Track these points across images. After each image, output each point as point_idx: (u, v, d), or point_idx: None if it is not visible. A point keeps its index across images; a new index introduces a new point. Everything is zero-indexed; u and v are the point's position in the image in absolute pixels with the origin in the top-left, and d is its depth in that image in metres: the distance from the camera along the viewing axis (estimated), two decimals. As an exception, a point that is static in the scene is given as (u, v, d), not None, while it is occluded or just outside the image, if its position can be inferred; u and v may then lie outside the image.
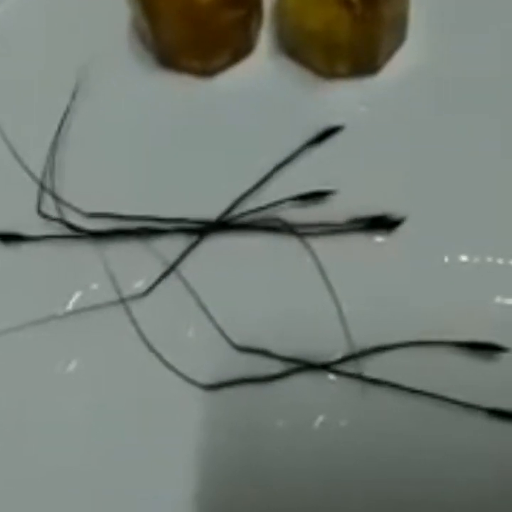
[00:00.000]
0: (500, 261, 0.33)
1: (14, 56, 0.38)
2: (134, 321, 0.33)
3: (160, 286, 0.33)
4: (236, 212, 0.34)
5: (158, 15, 0.35)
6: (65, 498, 0.31)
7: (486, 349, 0.31)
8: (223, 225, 0.34)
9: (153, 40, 0.37)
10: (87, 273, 0.33)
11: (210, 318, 0.32)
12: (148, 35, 0.36)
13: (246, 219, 0.34)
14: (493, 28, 0.37)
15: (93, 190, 0.35)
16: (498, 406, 0.30)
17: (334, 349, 0.32)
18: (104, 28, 0.38)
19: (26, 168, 0.35)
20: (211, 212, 0.34)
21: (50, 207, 0.35)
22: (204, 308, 0.33)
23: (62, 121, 0.36)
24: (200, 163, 0.35)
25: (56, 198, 0.35)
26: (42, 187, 0.35)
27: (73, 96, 0.37)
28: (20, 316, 0.33)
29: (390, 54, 0.37)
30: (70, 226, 0.34)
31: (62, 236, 0.34)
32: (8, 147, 0.36)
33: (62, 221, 0.34)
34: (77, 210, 0.35)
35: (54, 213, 0.35)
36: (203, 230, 0.34)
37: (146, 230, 0.34)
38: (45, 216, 0.35)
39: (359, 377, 0.31)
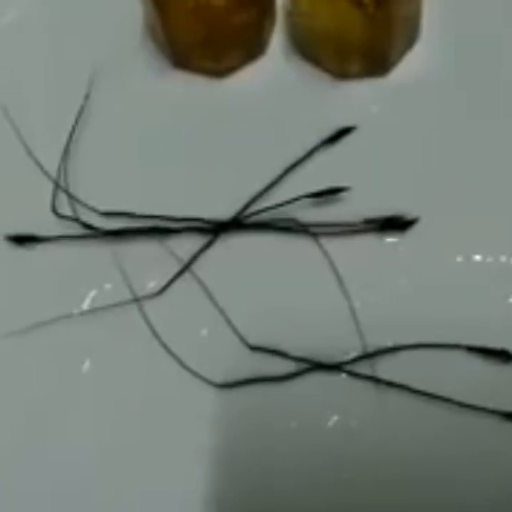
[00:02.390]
0: (514, 261, 0.33)
1: (28, 56, 0.38)
2: (148, 321, 0.33)
3: (174, 285, 0.33)
4: (250, 211, 0.34)
5: (170, 15, 0.35)
6: (78, 493, 0.31)
7: (498, 356, 0.31)
8: (237, 224, 0.34)
9: (166, 41, 0.37)
10: (102, 273, 0.33)
11: (224, 317, 0.33)
12: (161, 35, 0.36)
13: (260, 218, 0.34)
14: (506, 29, 0.37)
15: (107, 190, 0.35)
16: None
17: (347, 349, 0.32)
18: (118, 28, 0.38)
19: (41, 167, 0.35)
20: (225, 211, 0.34)
21: (64, 206, 0.35)
22: (218, 308, 0.33)
23: (76, 122, 0.36)
24: (214, 163, 0.35)
25: (71, 196, 0.35)
26: (57, 185, 0.35)
27: (87, 96, 0.37)
28: (34, 316, 0.33)
29: (402, 54, 0.37)
30: (85, 225, 0.34)
31: (77, 236, 0.34)
32: (24, 146, 0.36)
33: (77, 220, 0.34)
34: (91, 209, 0.35)
35: (68, 212, 0.35)
36: (217, 229, 0.34)
37: (160, 229, 0.34)
38: (59, 215, 0.35)
39: (371, 378, 0.31)
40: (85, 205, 0.35)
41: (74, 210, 0.35)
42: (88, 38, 0.38)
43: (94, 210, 0.35)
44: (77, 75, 0.37)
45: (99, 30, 0.38)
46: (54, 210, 0.35)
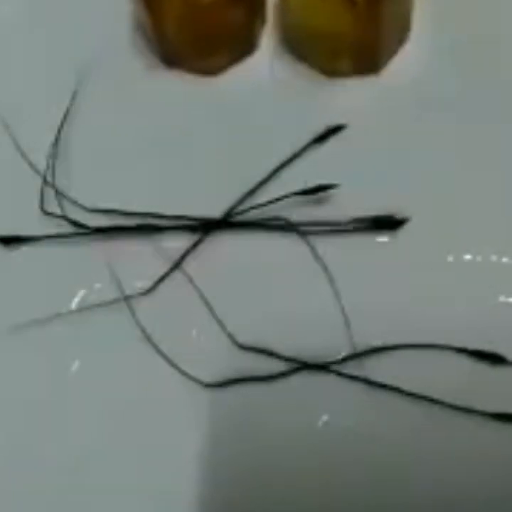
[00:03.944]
0: (504, 260, 0.33)
1: (18, 53, 0.38)
2: (137, 320, 0.33)
3: (163, 284, 0.33)
4: (239, 210, 0.34)
5: (161, 14, 0.35)
6: (69, 495, 0.31)
7: (488, 357, 0.31)
8: (227, 222, 0.34)
9: (156, 40, 0.37)
10: (91, 272, 0.33)
11: (214, 316, 0.32)
12: (152, 34, 0.36)
13: (250, 217, 0.34)
14: (498, 28, 0.37)
15: (96, 188, 0.35)
16: (503, 410, 0.30)
17: (337, 349, 0.32)
18: (108, 26, 0.38)
19: (29, 162, 0.35)
20: (214, 210, 0.34)
21: (52, 206, 0.35)
22: (208, 307, 0.33)
23: (64, 117, 0.36)
24: (203, 161, 0.35)
25: (58, 192, 0.35)
26: (45, 181, 0.35)
27: (73, 95, 0.36)
28: (24, 315, 0.32)
29: (392, 53, 0.37)
30: (73, 223, 0.34)
31: (65, 235, 0.34)
32: (13, 143, 0.36)
33: (65, 218, 0.34)
34: (79, 206, 0.34)
35: (57, 210, 0.35)
36: (207, 226, 0.34)
37: (149, 227, 0.34)
38: (47, 213, 0.34)
39: (361, 378, 0.31)
40: (74, 202, 0.35)
41: (62, 208, 0.35)
42: (79, 36, 0.38)
43: (82, 206, 0.34)
44: (67, 72, 0.37)
45: (89, 28, 0.38)
46: (42, 208, 0.35)
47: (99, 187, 0.35)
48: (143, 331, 0.32)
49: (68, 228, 0.34)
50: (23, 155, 0.35)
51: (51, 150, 0.36)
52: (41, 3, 0.39)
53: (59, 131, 0.36)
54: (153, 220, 0.34)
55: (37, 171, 0.35)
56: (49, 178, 0.35)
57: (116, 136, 0.36)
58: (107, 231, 0.34)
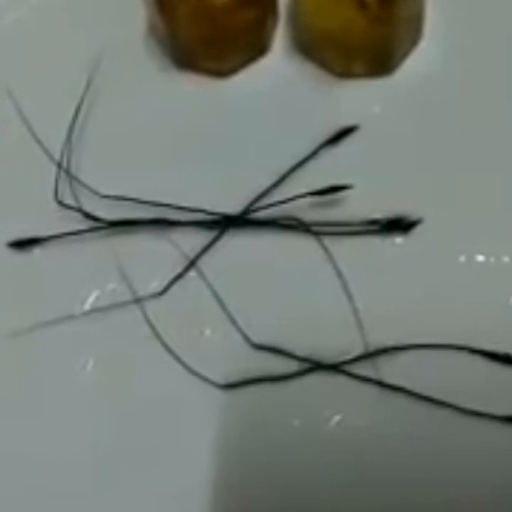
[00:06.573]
0: (517, 261, 0.33)
1: (36, 49, 0.38)
2: (149, 321, 0.33)
3: (177, 282, 0.33)
4: (251, 209, 0.34)
5: (174, 16, 0.35)
6: (80, 494, 0.31)
7: (501, 359, 0.31)
8: (243, 220, 0.34)
9: (169, 41, 0.37)
10: (105, 272, 0.33)
11: (228, 315, 0.32)
12: (165, 36, 0.36)
13: (263, 217, 0.34)
14: (509, 28, 0.37)
15: (109, 183, 0.35)
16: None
17: (350, 349, 0.32)
18: (122, 28, 0.38)
19: (46, 151, 0.35)
20: (226, 209, 0.34)
21: (67, 196, 0.35)
22: (221, 306, 0.33)
23: (76, 112, 0.36)
24: (216, 161, 0.35)
25: (71, 175, 0.35)
26: (59, 167, 0.35)
27: (86, 91, 0.36)
28: (38, 316, 0.33)
29: (405, 54, 0.37)
30: (88, 215, 0.34)
31: (79, 232, 0.34)
32: (32, 136, 0.36)
33: (79, 210, 0.34)
34: (93, 192, 0.34)
35: (71, 201, 0.35)
36: (222, 222, 0.34)
37: (164, 221, 0.34)
38: (62, 204, 0.34)
39: (373, 380, 0.31)
40: (88, 188, 0.34)
41: (76, 197, 0.35)
42: (92, 37, 0.38)
43: (95, 192, 0.34)
44: (81, 70, 0.37)
45: (103, 30, 0.38)
46: (56, 198, 0.34)
47: (114, 186, 0.34)
48: (156, 332, 0.32)
49: (82, 222, 0.34)
50: (41, 145, 0.35)
51: (65, 142, 0.36)
52: (57, 6, 0.39)
53: (71, 128, 0.36)
54: (168, 212, 0.34)
55: (51, 157, 0.35)
56: (63, 172, 0.35)
57: (130, 136, 0.36)
58: (122, 225, 0.34)
